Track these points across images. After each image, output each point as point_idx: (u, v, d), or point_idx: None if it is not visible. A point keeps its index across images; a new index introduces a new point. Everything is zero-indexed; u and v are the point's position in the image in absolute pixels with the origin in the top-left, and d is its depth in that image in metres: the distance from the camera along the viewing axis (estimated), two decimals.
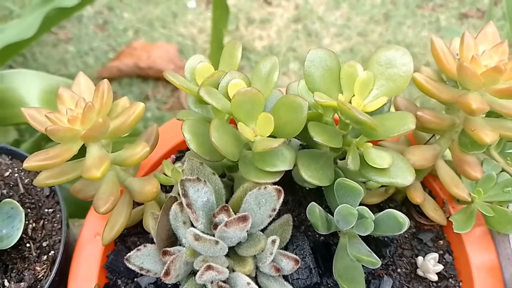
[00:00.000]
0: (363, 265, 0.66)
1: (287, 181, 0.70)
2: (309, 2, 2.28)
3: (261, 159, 0.56)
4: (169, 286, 0.64)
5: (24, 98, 0.97)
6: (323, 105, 0.53)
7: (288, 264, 0.58)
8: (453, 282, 0.67)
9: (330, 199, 0.62)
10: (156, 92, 2.08)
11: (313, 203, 0.59)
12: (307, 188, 0.71)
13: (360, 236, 0.62)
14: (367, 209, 0.56)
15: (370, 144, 0.58)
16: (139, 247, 0.58)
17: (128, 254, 0.56)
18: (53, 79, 1.00)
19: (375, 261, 0.56)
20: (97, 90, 0.55)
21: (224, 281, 0.56)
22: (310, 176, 0.57)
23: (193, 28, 2.20)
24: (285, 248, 0.65)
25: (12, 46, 1.24)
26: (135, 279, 0.66)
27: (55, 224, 0.68)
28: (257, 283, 0.60)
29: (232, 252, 0.60)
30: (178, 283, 0.59)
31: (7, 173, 0.71)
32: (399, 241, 0.70)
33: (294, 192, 0.72)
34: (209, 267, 0.52)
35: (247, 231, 0.56)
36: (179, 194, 0.56)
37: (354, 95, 0.55)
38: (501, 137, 0.60)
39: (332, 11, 2.25)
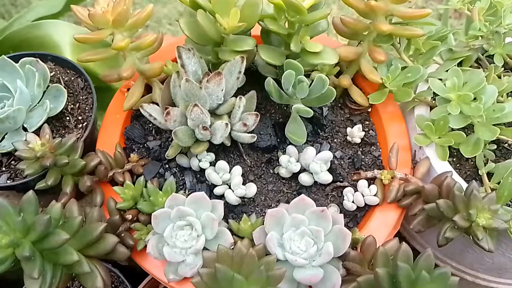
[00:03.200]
0: (308, 134, 0.91)
1: (257, 83, 0.95)
2: None
3: (232, 43, 0.83)
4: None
5: (59, 43, 1.24)
6: (273, 2, 0.80)
7: (251, 120, 0.84)
8: (374, 148, 0.92)
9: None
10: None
11: (269, 77, 0.85)
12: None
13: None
14: (304, 77, 0.82)
15: (308, 37, 0.84)
16: (150, 104, 0.84)
17: (142, 104, 0.82)
18: (82, 29, 1.27)
19: (309, 111, 0.81)
20: None
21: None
22: (267, 57, 0.83)
23: None
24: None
25: (41, 19, 1.51)
26: (145, 144, 0.92)
27: (88, 106, 0.94)
28: (231, 137, 0.86)
29: (213, 115, 0.85)
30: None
31: (52, 74, 0.98)
32: (336, 122, 0.95)
33: (262, 90, 0.98)
34: (195, 105, 0.77)
35: (223, 94, 0.82)
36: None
37: None
38: (397, 35, 0.87)
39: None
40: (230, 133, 0.87)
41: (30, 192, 0.67)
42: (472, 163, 0.88)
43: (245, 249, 0.70)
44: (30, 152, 0.77)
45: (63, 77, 0.98)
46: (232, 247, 0.76)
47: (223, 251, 0.71)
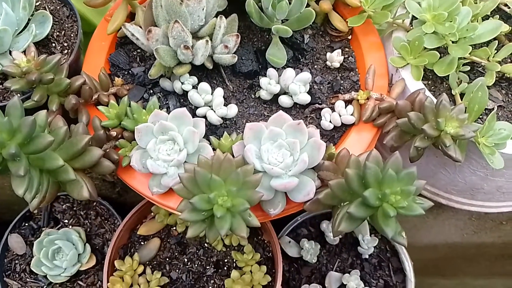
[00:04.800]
0: (289, 60, 0.94)
1: (240, 12, 0.97)
2: None
3: None
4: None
5: None
6: None
7: (232, 41, 0.86)
8: (353, 73, 0.94)
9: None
10: None
11: None
12: None
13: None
14: None
15: None
16: (133, 24, 0.86)
17: (125, 23, 0.84)
18: None
19: (288, 29, 0.84)
20: None
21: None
22: None
23: None
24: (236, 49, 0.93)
25: None
26: (130, 70, 0.94)
27: (73, 33, 0.96)
28: (213, 61, 0.89)
29: (195, 37, 0.87)
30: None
31: (37, 3, 0.99)
32: (316, 49, 0.97)
33: (245, 20, 1.00)
34: (176, 22, 0.79)
35: (204, 14, 0.84)
36: None
37: None
38: None
39: None
40: (212, 56, 0.89)
41: (15, 98, 0.69)
42: (446, 85, 0.90)
43: (223, 156, 0.73)
44: (16, 68, 0.80)
45: (49, 6, 0.99)
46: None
47: (203, 160, 0.74)
